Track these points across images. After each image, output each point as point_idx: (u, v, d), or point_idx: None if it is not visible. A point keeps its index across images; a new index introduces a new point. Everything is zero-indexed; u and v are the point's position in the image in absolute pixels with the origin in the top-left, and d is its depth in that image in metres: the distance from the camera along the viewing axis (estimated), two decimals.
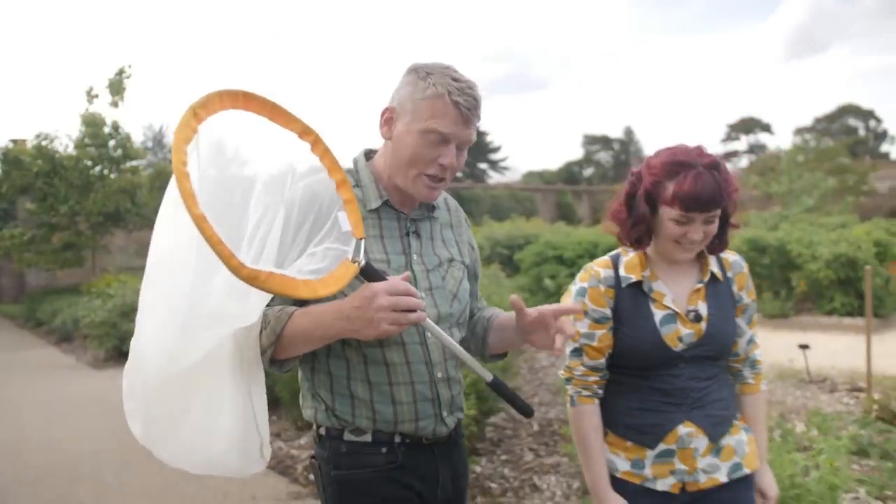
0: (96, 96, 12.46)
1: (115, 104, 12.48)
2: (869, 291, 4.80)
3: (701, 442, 1.67)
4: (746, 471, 1.70)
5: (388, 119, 1.48)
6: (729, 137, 73.72)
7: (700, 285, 1.69)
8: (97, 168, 12.23)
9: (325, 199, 1.41)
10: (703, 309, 1.68)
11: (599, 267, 1.73)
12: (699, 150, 1.62)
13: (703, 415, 1.68)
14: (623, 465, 1.70)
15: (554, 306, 1.44)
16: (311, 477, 1.58)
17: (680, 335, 1.65)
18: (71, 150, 12.04)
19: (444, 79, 1.42)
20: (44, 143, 11.87)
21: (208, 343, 1.29)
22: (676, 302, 1.68)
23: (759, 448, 1.77)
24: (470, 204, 29.54)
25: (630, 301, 1.69)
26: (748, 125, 73.62)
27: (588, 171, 72.28)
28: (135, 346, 1.37)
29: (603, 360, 1.70)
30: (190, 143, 1.23)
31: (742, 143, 72.76)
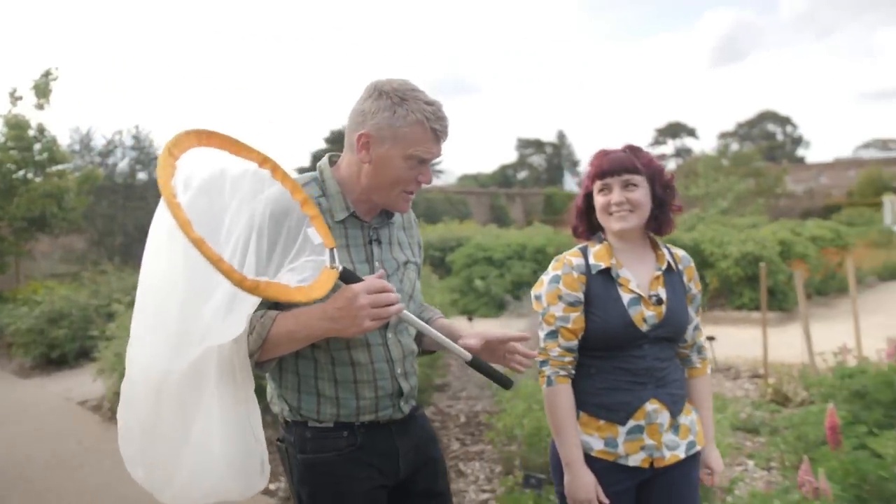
0: (20, 98, 12.05)
1: (40, 107, 12.06)
2: (764, 287, 5.27)
3: (665, 417, 1.83)
4: (698, 448, 1.89)
5: (366, 144, 1.55)
6: (656, 141, 76.28)
7: (659, 272, 1.88)
8: (21, 172, 11.85)
9: (293, 218, 1.51)
10: (662, 294, 1.85)
11: (571, 256, 1.89)
12: (627, 145, 1.89)
13: (665, 393, 1.84)
14: (598, 444, 1.83)
15: (499, 336, 1.64)
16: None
17: (644, 316, 1.81)
18: None
19: (419, 104, 1.53)
20: None
21: (193, 356, 1.37)
22: (640, 287, 1.85)
23: (706, 426, 1.95)
24: None
25: (600, 286, 1.84)
26: (674, 129, 76.34)
27: (522, 174, 73.59)
28: (129, 375, 1.46)
29: (576, 342, 1.83)
30: (173, 178, 1.36)
31: (669, 147, 75.43)
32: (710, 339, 5.97)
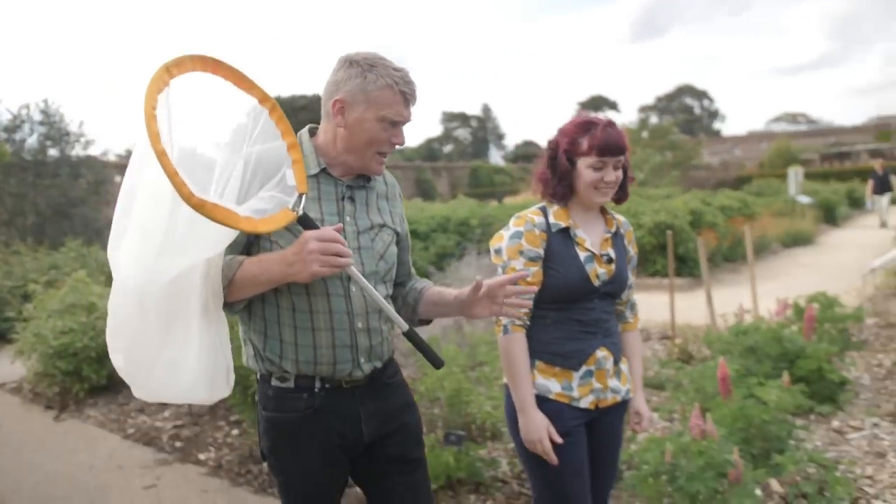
0: None
1: None
2: (671, 254, 5.63)
3: (610, 364, 2.02)
4: (630, 394, 2.11)
5: (340, 109, 1.65)
6: (579, 115, 77.93)
7: (608, 235, 2.04)
8: None
9: (275, 160, 1.59)
10: (612, 253, 2.03)
11: (532, 215, 1.99)
12: (596, 116, 1.98)
13: (610, 342, 2.03)
14: (555, 388, 1.98)
15: (502, 278, 1.70)
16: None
17: (597, 273, 1.98)
18: None
19: (388, 70, 1.63)
20: None
21: (176, 270, 1.46)
22: (594, 246, 2.00)
23: (636, 376, 2.14)
24: None
25: (560, 244, 1.97)
26: (597, 103, 77.84)
27: (448, 148, 73.70)
28: (116, 276, 1.53)
29: (534, 295, 1.93)
30: (161, 92, 1.41)
31: None
32: None
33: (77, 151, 14.24)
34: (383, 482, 1.82)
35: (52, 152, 13.82)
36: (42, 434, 4.86)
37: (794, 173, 15.79)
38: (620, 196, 2.06)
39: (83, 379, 5.32)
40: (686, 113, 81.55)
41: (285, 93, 53.41)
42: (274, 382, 1.71)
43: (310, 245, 1.47)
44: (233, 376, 1.62)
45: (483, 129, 79.00)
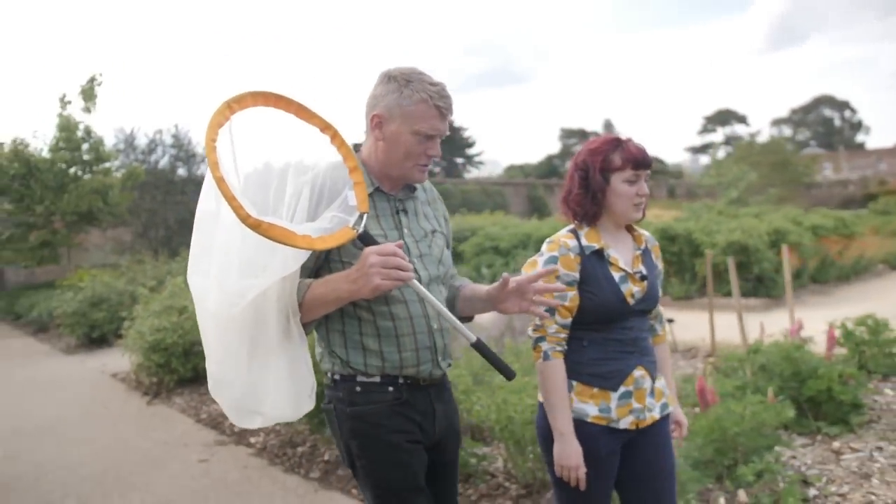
0: (69, 102, 13.20)
1: (87, 109, 13.23)
2: (710, 273, 5.71)
3: (648, 383, 1.98)
4: (670, 408, 2.08)
5: (378, 124, 1.71)
6: (705, 129, 74.82)
7: (638, 252, 2.01)
8: (71, 170, 12.96)
9: (338, 183, 1.66)
10: (643, 270, 2.00)
11: (565, 238, 1.97)
12: (616, 135, 2.00)
13: (647, 360, 2.00)
14: (592, 411, 1.94)
15: (531, 274, 1.73)
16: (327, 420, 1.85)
17: (632, 292, 1.95)
18: (46, 153, 12.78)
19: (423, 85, 1.67)
20: (19, 147, 12.61)
21: (254, 292, 1.51)
22: (627, 265, 1.98)
23: (670, 386, 2.12)
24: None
25: (594, 266, 1.94)
26: (724, 117, 74.58)
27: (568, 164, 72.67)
28: (197, 293, 1.60)
29: (570, 319, 1.93)
30: (222, 126, 1.50)
31: (719, 135, 73.86)
32: (670, 321, 6.42)
33: (203, 170, 15.85)
34: (438, 483, 1.88)
35: (181, 172, 15.42)
36: (135, 415, 5.71)
37: None
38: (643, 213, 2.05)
39: (172, 371, 6.16)
40: (824, 125, 76.34)
41: None
42: (360, 378, 1.75)
43: (370, 259, 1.52)
44: (315, 391, 1.67)
45: None
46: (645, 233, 2.10)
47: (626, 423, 1.95)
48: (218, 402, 1.67)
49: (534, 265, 1.97)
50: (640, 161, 1.92)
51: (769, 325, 7.32)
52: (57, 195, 12.51)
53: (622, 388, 1.95)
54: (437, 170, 55.07)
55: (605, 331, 1.95)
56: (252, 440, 4.73)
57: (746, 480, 3.19)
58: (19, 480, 4.25)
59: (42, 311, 10.75)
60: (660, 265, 2.12)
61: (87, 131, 13.12)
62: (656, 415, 2.02)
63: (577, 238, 1.97)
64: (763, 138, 23.77)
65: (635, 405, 1.97)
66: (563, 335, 1.93)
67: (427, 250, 1.80)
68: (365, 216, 1.62)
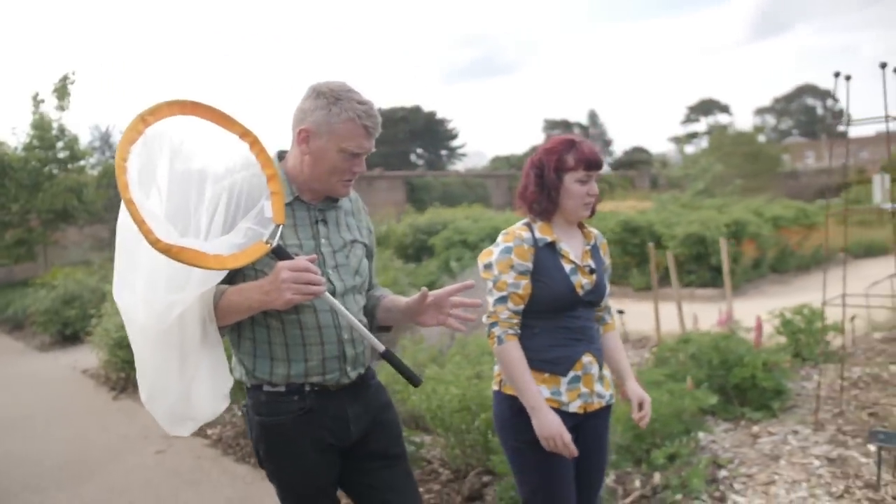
0: (42, 101, 13.24)
1: (61, 108, 13.28)
2: (653, 265, 5.94)
3: (595, 369, 2.09)
4: (613, 399, 2.20)
5: (304, 138, 1.71)
6: (688, 119, 75.17)
7: (588, 247, 2.14)
8: (46, 168, 13.01)
9: (256, 191, 1.66)
10: (592, 264, 2.12)
11: (520, 231, 2.06)
12: (572, 135, 2.11)
13: (595, 348, 2.11)
14: (545, 393, 2.03)
15: (448, 288, 1.78)
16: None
17: (581, 284, 2.06)
18: (20, 151, 12.83)
19: (352, 104, 1.68)
20: None
21: (181, 306, 1.54)
22: (577, 258, 2.09)
23: (625, 368, 2.23)
24: (421, 191, 30.12)
25: (547, 258, 2.04)
26: (707, 106, 74.85)
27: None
28: (126, 311, 1.61)
29: (522, 306, 2.02)
30: (134, 143, 1.49)
31: (702, 125, 74.19)
32: (620, 312, 6.65)
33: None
34: (367, 479, 1.89)
35: None
36: (100, 409, 5.88)
37: (880, 179, 15.09)
38: (593, 211, 2.15)
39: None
40: (807, 114, 76.89)
41: (386, 105, 55.49)
42: (266, 388, 1.78)
43: (283, 275, 1.53)
44: (229, 390, 1.71)
45: (586, 136, 78.07)
46: (594, 230, 2.21)
47: (574, 406, 2.05)
48: (152, 413, 1.68)
49: (489, 254, 2.07)
50: (591, 162, 2.02)
51: (712, 313, 7.57)
52: (32, 193, 12.58)
53: (571, 373, 2.05)
54: (420, 162, 55.21)
55: (556, 319, 2.05)
56: (209, 432, 4.90)
57: (659, 463, 3.42)
58: None
59: (17, 309, 10.84)
60: (607, 261, 2.24)
61: (61, 129, 13.18)
62: (604, 402, 2.13)
63: (532, 231, 2.07)
64: (745, 127, 23.93)
65: (583, 389, 2.07)
66: (516, 321, 2.02)
67: (344, 261, 1.82)
68: (280, 228, 1.64)
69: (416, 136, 53.88)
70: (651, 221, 9.64)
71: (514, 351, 2.00)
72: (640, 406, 2.15)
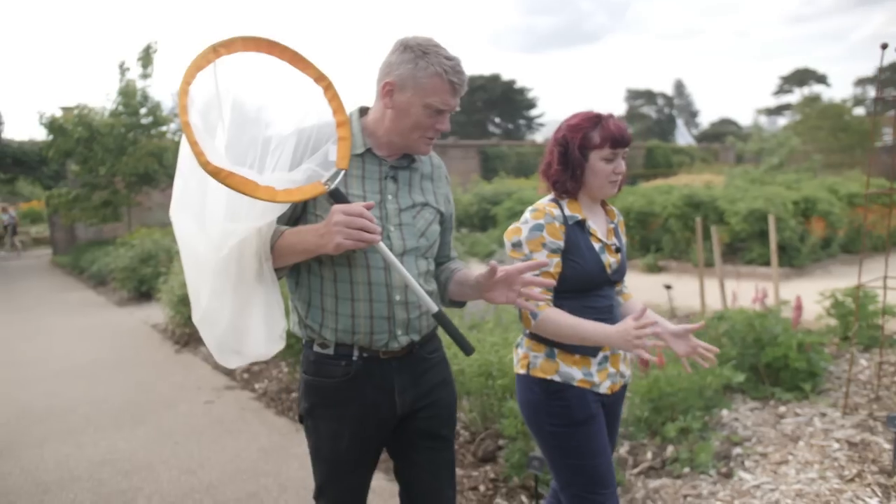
0: (128, 69, 13.94)
1: (144, 76, 13.94)
2: (700, 241, 5.81)
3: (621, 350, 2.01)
4: (630, 378, 2.17)
5: (389, 91, 1.67)
6: (781, 90, 71.38)
7: (612, 225, 2.09)
8: (130, 134, 13.74)
9: (325, 136, 1.66)
10: (617, 242, 2.08)
11: (550, 207, 1.98)
12: (596, 111, 2.00)
13: None
14: (578, 375, 1.99)
15: (521, 265, 1.68)
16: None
17: (609, 262, 2.02)
18: (107, 117, 13.59)
19: (439, 58, 1.63)
20: (83, 112, 13.46)
21: (238, 236, 1.54)
22: (603, 237, 2.04)
23: (654, 314, 2.05)
24: (495, 161, 30.06)
25: (577, 236, 1.97)
26: (801, 77, 70.81)
27: (638, 126, 70.80)
28: (183, 232, 1.62)
29: (554, 284, 1.89)
30: (202, 70, 1.48)
31: (796, 96, 70.28)
32: (668, 287, 6.56)
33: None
34: (410, 454, 1.87)
35: None
36: (161, 361, 6.32)
37: None
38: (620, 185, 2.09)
39: None
40: None
41: None
42: (315, 348, 1.76)
43: (335, 217, 1.51)
44: (285, 333, 1.70)
45: (670, 106, 75.28)
46: (614, 208, 2.17)
47: (605, 387, 2.02)
48: (203, 337, 1.68)
49: (517, 232, 1.97)
50: (617, 139, 1.93)
51: (786, 293, 7.36)
52: (117, 158, 13.33)
53: (601, 354, 2.01)
54: (497, 132, 54.68)
55: (584, 299, 1.98)
56: (256, 386, 5.22)
57: (671, 437, 3.44)
58: (52, 413, 4.87)
59: (101, 267, 11.63)
60: (624, 239, 2.18)
61: (145, 96, 13.85)
62: (624, 381, 2.12)
63: (561, 208, 1.99)
64: (842, 99, 22.54)
65: (611, 370, 2.04)
66: (548, 297, 1.94)
67: (410, 220, 1.76)
68: (342, 173, 1.61)
69: (494, 105, 53.39)
70: (714, 196, 9.36)
71: (552, 314, 1.89)
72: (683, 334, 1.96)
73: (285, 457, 3.85)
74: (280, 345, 1.68)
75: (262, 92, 1.60)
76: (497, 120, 55.93)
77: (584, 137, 1.96)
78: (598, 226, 2.04)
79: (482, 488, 3.23)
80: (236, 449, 4.01)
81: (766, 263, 8.92)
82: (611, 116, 1.98)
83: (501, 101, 54.04)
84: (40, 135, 14.43)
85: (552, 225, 1.95)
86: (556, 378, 1.98)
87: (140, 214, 16.02)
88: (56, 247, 18.79)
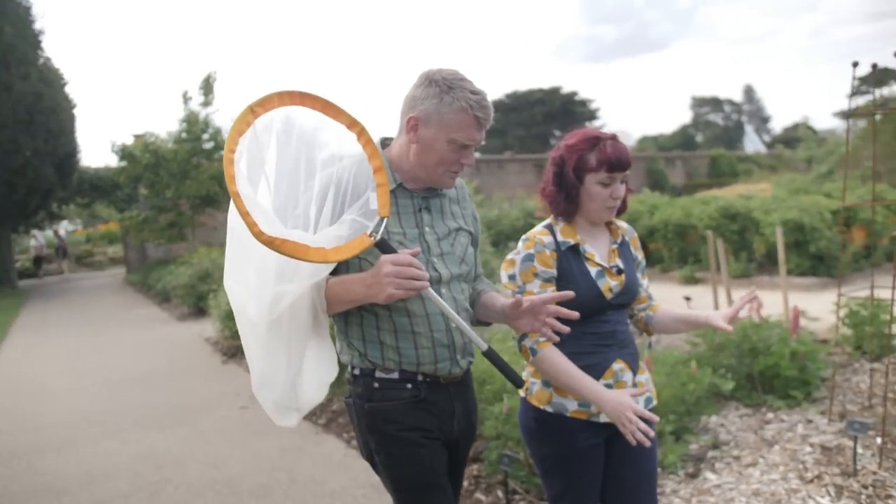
0: (190, 98, 14.90)
1: (206, 104, 14.87)
2: (711, 252, 5.95)
3: (629, 376, 1.93)
4: (654, 402, 2.02)
5: (413, 126, 1.66)
6: (857, 91, 68.28)
7: (615, 246, 1.99)
8: (193, 159, 14.65)
9: (362, 181, 1.64)
10: (620, 264, 1.97)
11: (540, 235, 1.93)
12: (599, 130, 1.93)
13: (627, 353, 1.95)
14: (572, 406, 1.91)
15: (545, 296, 1.66)
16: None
17: (609, 286, 1.92)
18: (171, 144, 14.56)
19: (465, 93, 1.63)
20: (149, 140, 14.48)
21: (288, 298, 1.55)
22: (603, 259, 1.96)
23: (691, 314, 2.03)
24: None
25: (570, 262, 1.91)
26: (881, 77, 67.67)
27: (707, 134, 68.92)
28: (236, 300, 1.62)
29: (577, 315, 1.79)
30: (243, 134, 1.48)
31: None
32: (687, 299, 6.68)
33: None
34: (451, 479, 1.87)
35: None
36: (208, 370, 6.88)
37: None
38: (621, 208, 2.00)
39: None
40: None
41: (522, 87, 55.13)
42: (378, 374, 1.73)
43: (385, 269, 1.51)
44: (334, 377, 1.72)
45: (738, 113, 73.32)
46: (623, 224, 2.08)
47: (605, 416, 1.89)
48: (260, 402, 1.68)
49: (512, 264, 1.95)
50: (614, 164, 1.85)
51: (819, 303, 7.34)
52: (181, 181, 14.25)
53: (601, 382, 1.89)
54: (554, 143, 54.06)
55: (583, 325, 1.85)
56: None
57: None
58: (107, 416, 5.46)
59: (165, 284, 12.47)
60: (639, 256, 2.10)
61: (206, 123, 14.76)
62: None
63: (553, 234, 1.94)
64: None
65: None
66: (567, 329, 1.85)
67: (449, 248, 1.78)
68: (385, 221, 1.60)
69: (554, 117, 53.38)
70: (750, 207, 9.36)
71: (552, 354, 1.86)
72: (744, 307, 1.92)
73: (300, 455, 4.25)
74: (326, 392, 1.72)
75: (298, 144, 1.61)
76: (557, 133, 55.90)
77: (579, 159, 1.89)
78: (596, 249, 1.97)
79: (465, 483, 3.54)
80: (259, 448, 4.44)
81: (803, 274, 8.87)
82: (611, 138, 1.90)
83: (561, 114, 53.98)
84: (113, 161, 15.53)
85: (542, 254, 1.91)
86: (549, 409, 1.94)
87: (205, 234, 16.95)
88: (129, 266, 20.10)
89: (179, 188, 14.25)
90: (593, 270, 1.93)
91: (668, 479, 3.38)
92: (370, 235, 1.58)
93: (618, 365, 1.93)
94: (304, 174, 1.58)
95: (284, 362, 1.62)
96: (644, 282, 2.10)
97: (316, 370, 1.66)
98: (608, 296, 1.92)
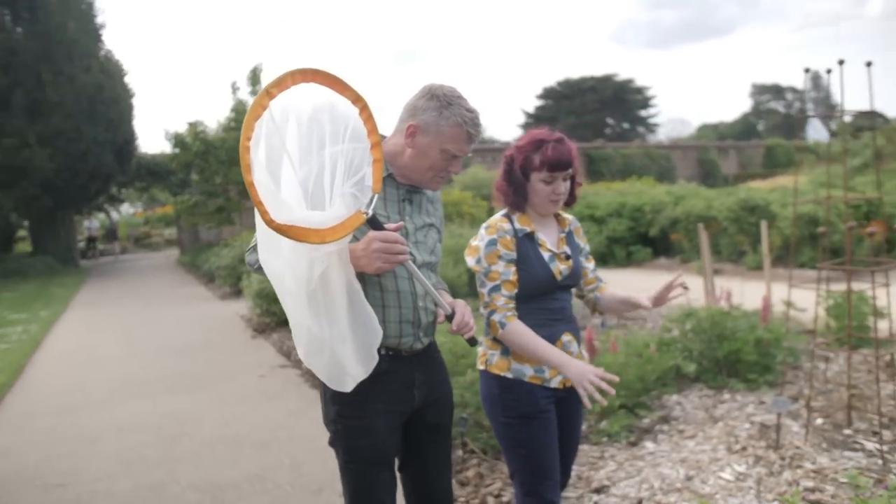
0: (238, 88, 15.65)
1: (253, 94, 15.58)
2: (704, 244, 6.23)
3: (574, 347, 2.22)
4: None
5: (412, 132, 1.84)
6: None
7: (563, 234, 2.25)
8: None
9: (359, 160, 1.69)
10: (568, 250, 2.23)
11: (500, 223, 2.15)
12: (549, 131, 2.14)
13: (573, 327, 2.26)
14: (529, 371, 2.14)
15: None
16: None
17: (560, 270, 2.17)
18: (221, 132, 15.34)
19: (461, 110, 1.83)
20: (199, 128, 15.31)
21: (319, 264, 1.60)
22: (553, 246, 2.20)
23: (629, 295, 2.28)
24: (599, 163, 29.91)
25: (526, 247, 2.15)
26: None
27: (769, 122, 66.76)
28: (272, 272, 1.66)
29: (515, 292, 2.12)
30: (259, 119, 1.52)
31: None
32: (685, 288, 6.93)
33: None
34: (417, 447, 2.02)
35: None
36: (237, 344, 7.53)
37: None
38: (569, 201, 2.24)
39: (273, 313, 7.89)
40: None
41: (575, 74, 54.47)
42: None
43: (374, 245, 1.64)
44: (378, 345, 1.75)
45: (801, 101, 70.85)
46: (568, 217, 2.34)
47: (556, 381, 2.16)
48: (313, 370, 1.76)
49: (476, 250, 2.16)
50: (554, 164, 2.08)
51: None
52: (229, 168, 15.02)
53: None
54: (611, 133, 53.65)
55: (536, 302, 2.16)
56: (303, 366, 6.25)
57: (597, 411, 4.06)
58: (144, 381, 6.15)
59: (210, 265, 13.29)
60: (582, 243, 2.36)
61: None
62: None
63: (511, 222, 2.17)
64: None
65: None
66: (512, 305, 2.13)
67: (423, 238, 1.97)
68: (376, 197, 1.70)
69: (606, 105, 52.80)
70: (768, 200, 9.49)
71: (518, 327, 2.09)
72: (668, 288, 2.18)
73: (302, 416, 4.81)
74: (376, 359, 1.74)
75: (312, 120, 1.66)
76: (610, 121, 55.21)
77: (525, 159, 2.13)
78: (547, 236, 2.22)
79: None
80: (268, 410, 5.02)
81: (817, 267, 8.97)
82: (558, 141, 2.12)
83: (613, 102, 53.32)
84: (168, 148, 16.46)
85: (504, 238, 2.13)
86: (509, 374, 2.15)
87: (251, 218, 17.61)
88: (182, 247, 21.20)
89: (228, 175, 15.03)
90: (546, 255, 2.18)
91: (612, 446, 3.78)
92: (363, 213, 1.67)
93: (566, 337, 2.21)
94: (317, 151, 1.64)
95: (328, 333, 1.66)
96: (590, 265, 2.38)
97: (361, 335, 1.71)
98: (558, 278, 2.18)
